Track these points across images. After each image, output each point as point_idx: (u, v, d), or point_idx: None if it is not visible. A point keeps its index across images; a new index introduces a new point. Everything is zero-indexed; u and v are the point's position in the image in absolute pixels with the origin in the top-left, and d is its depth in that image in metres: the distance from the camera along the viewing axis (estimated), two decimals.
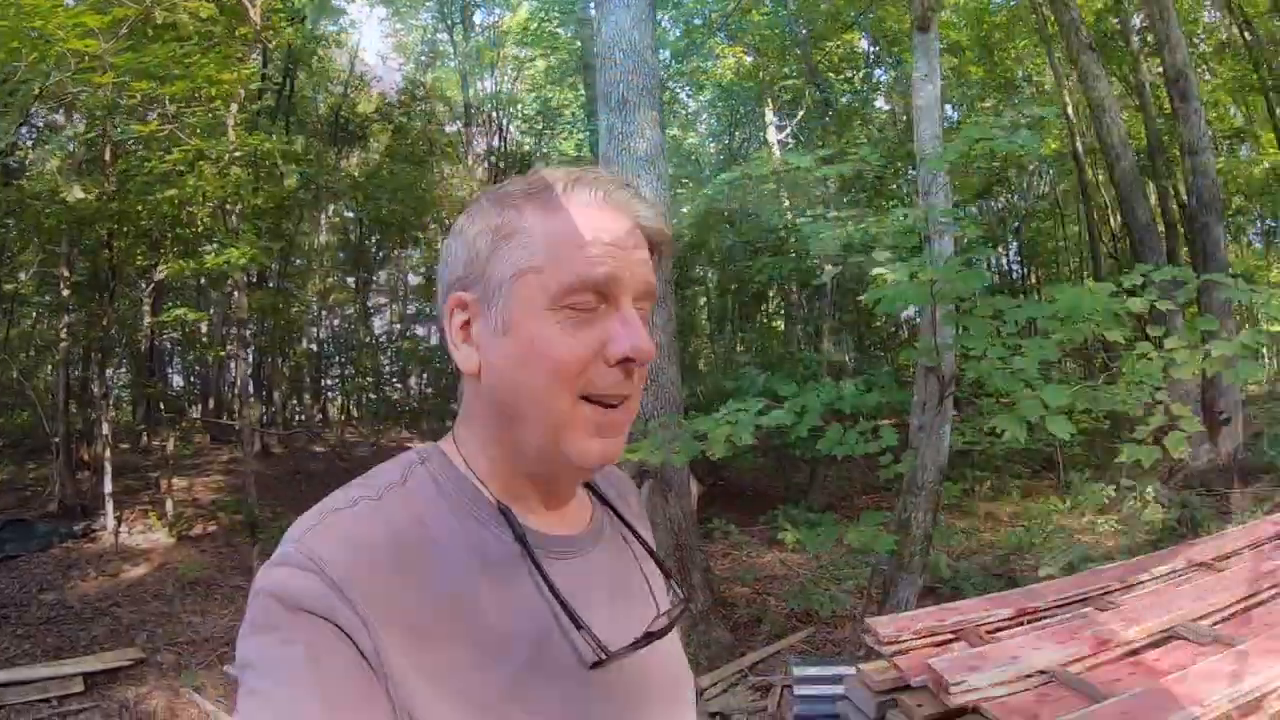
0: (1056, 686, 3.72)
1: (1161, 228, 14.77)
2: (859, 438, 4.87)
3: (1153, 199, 16.18)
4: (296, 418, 21.52)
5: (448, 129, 23.89)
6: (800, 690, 5.04)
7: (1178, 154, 14.32)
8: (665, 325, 6.95)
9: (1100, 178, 19.16)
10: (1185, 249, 13.32)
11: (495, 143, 22.59)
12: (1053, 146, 19.40)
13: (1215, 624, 4.24)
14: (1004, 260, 24.73)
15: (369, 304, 24.50)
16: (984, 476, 12.13)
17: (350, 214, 22.36)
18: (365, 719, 0.79)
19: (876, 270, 5.11)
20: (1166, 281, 4.73)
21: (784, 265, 11.88)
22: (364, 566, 0.84)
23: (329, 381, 22.60)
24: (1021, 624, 4.48)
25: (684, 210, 14.29)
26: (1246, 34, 17.06)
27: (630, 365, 0.93)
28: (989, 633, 4.31)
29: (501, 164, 20.78)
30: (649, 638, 1.00)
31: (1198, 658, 3.78)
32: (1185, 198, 14.02)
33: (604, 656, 0.92)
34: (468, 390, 1.01)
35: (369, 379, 21.28)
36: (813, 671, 5.13)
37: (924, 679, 3.82)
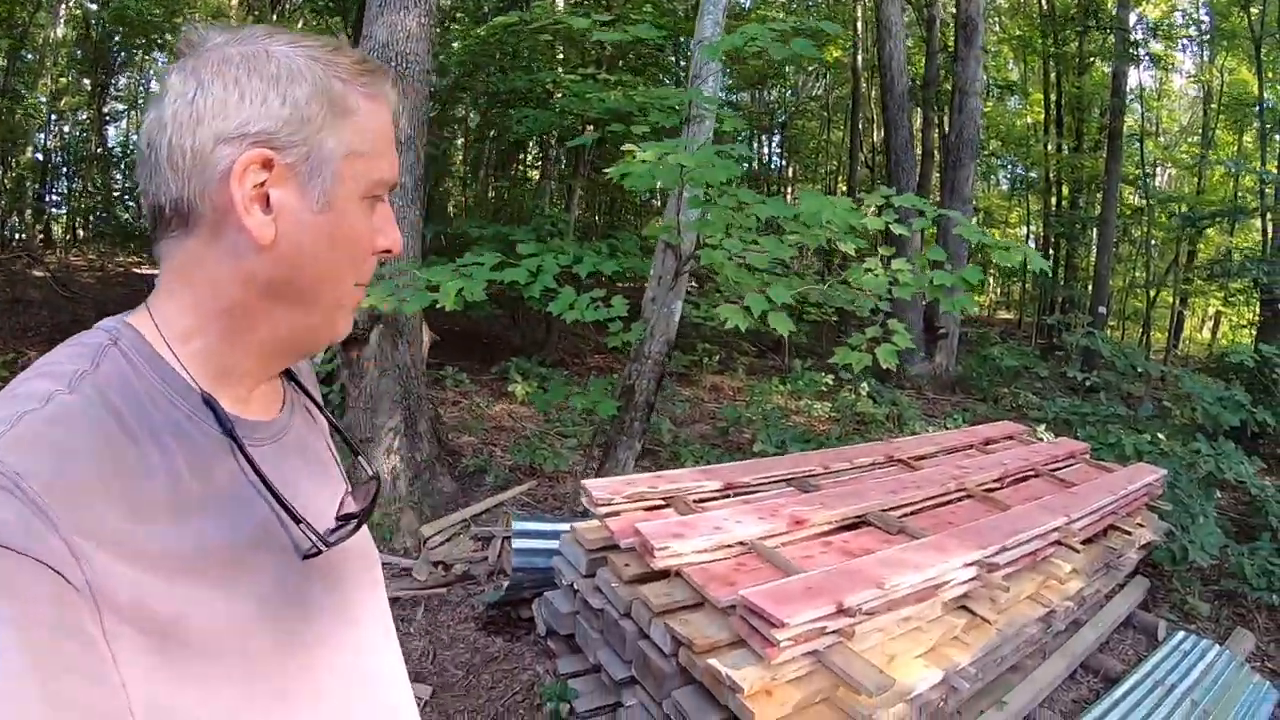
0: (753, 558, 3.80)
1: (919, 153, 15.54)
2: (590, 304, 4.67)
3: (917, 125, 16.95)
4: (16, 237, 18.54)
5: None
6: (519, 544, 4.94)
7: (949, 91, 14.97)
8: (412, 167, 6.40)
9: (874, 95, 19.86)
10: (937, 177, 14.09)
11: None
12: (834, 54, 19.82)
13: (903, 516, 4.50)
14: (766, 149, 25.28)
15: (105, 111, 21.17)
16: (713, 349, 12.59)
17: (93, 5, 19.04)
18: (91, 687, 0.69)
19: (628, 146, 4.85)
20: (906, 207, 4.78)
21: (546, 119, 11.38)
22: (65, 479, 0.73)
23: (54, 197, 19.59)
24: (728, 497, 4.56)
25: (454, 45, 13.35)
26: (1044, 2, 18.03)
27: (386, 256, 0.99)
28: (697, 502, 4.36)
29: None
30: (356, 519, 1.02)
31: (884, 544, 3.97)
32: (947, 131, 14.74)
33: (323, 548, 0.93)
34: (211, 261, 0.89)
35: (99, 197, 18.57)
36: (532, 526, 5.05)
37: (632, 541, 3.78)
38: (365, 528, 1.10)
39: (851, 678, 3.05)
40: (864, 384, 10.61)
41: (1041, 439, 7.32)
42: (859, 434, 9.14)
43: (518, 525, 5.02)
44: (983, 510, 4.83)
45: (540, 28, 11.81)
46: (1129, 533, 5.36)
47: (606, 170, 5.03)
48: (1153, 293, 18.58)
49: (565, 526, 4.62)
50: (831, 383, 11.04)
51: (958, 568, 3.80)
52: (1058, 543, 4.65)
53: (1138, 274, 21.21)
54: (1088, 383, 9.90)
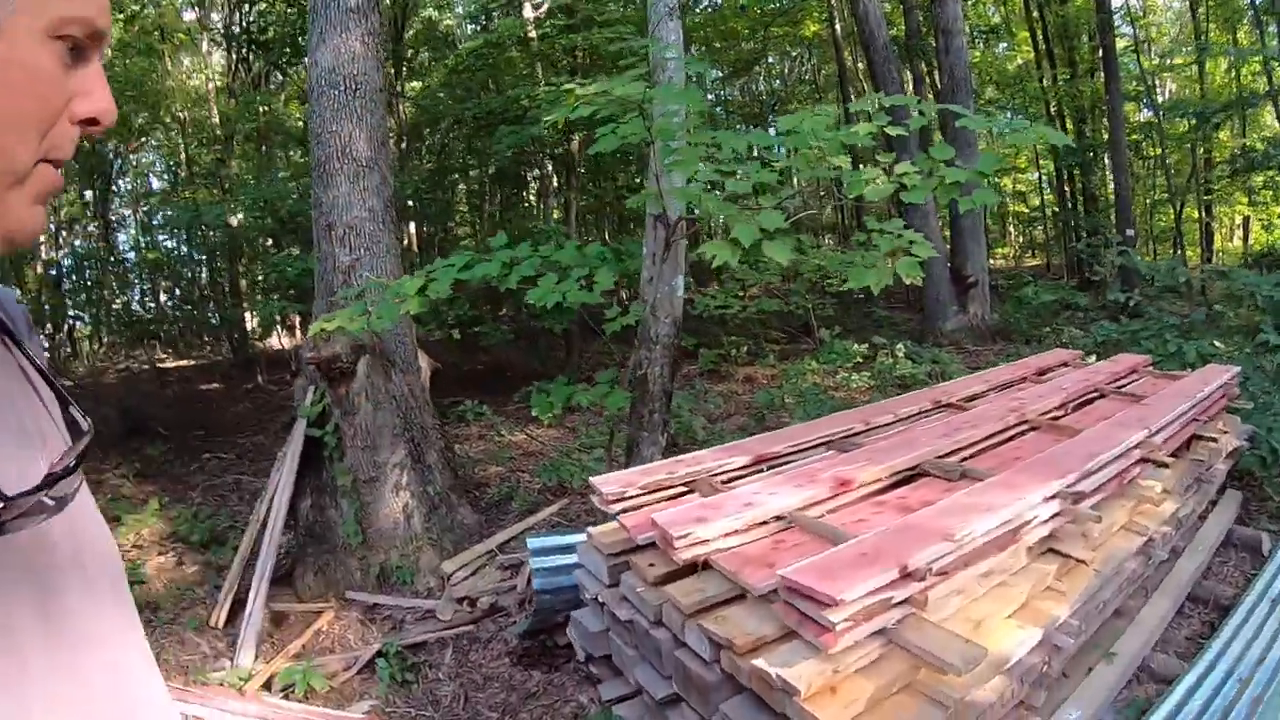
0: (795, 532, 3.22)
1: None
2: (575, 286, 4.15)
3: (909, 84, 16.29)
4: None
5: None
6: (538, 563, 4.40)
7: (933, 40, 14.35)
8: (379, 189, 5.95)
9: (860, 68, 19.25)
10: (937, 133, 13.42)
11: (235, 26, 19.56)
12: (812, 29, 19.26)
13: (963, 460, 3.90)
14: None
15: (110, 218, 20.99)
16: (740, 341, 11.98)
17: None
18: None
19: (568, 86, 4.33)
20: (900, 107, 4.20)
21: (525, 135, 10.95)
22: None
23: (74, 312, 19.33)
24: (760, 471, 3.97)
25: (421, 83, 13.00)
26: None
27: (91, 129, 0.78)
28: (724, 483, 3.76)
29: (245, 49, 18.09)
30: (53, 479, 0.75)
31: (945, 494, 3.37)
32: (939, 78, 14.10)
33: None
34: None
35: (118, 300, 18.41)
36: (550, 542, 4.50)
37: (651, 535, 3.22)
38: (104, 526, 0.90)
39: (932, 654, 2.44)
40: (900, 345, 9.96)
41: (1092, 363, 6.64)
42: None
43: (534, 543, 4.47)
44: (1050, 439, 4.19)
45: (504, 45, 11.43)
46: (1214, 440, 4.69)
47: (593, 149, 4.50)
48: (1179, 205, 17.60)
49: (584, 537, 4.07)
50: (866, 351, 10.40)
51: (1037, 504, 3.18)
52: (1143, 460, 4.00)
53: (1158, 193, 20.24)
54: (1131, 303, 9.17)
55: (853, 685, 2.45)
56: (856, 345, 10.19)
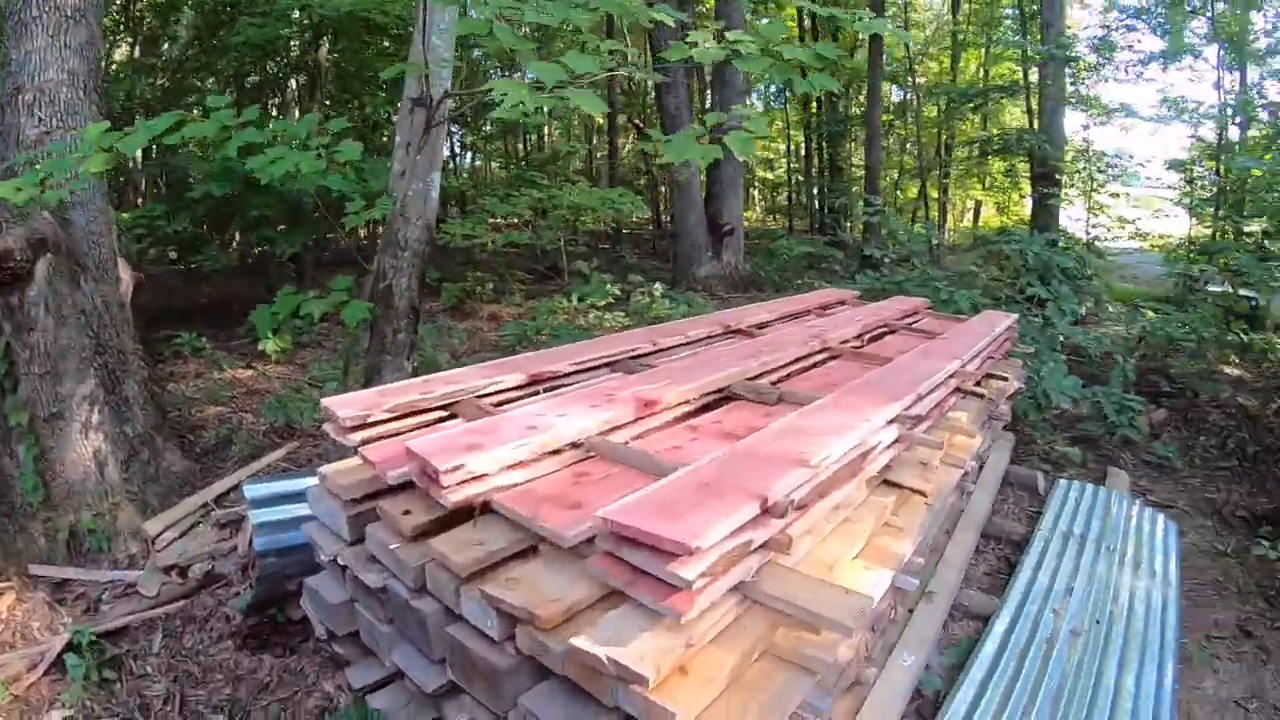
0: (599, 463, 2.48)
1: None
2: (304, 157, 3.17)
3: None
4: None
5: None
6: (260, 517, 3.38)
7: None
8: (84, 48, 4.67)
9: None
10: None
11: None
12: None
13: (774, 384, 3.35)
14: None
15: None
16: (486, 277, 11.07)
17: None
18: None
19: None
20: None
21: (270, 28, 9.39)
22: None
23: None
24: (536, 394, 3.20)
25: None
26: None
27: None
28: (495, 405, 2.96)
29: None
30: None
31: (767, 418, 2.77)
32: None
33: None
34: None
35: None
36: (274, 489, 3.48)
37: (406, 471, 2.34)
38: None
39: (807, 610, 1.82)
40: (656, 285, 9.52)
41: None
42: None
43: (253, 492, 3.45)
44: (859, 367, 3.77)
45: None
46: (1005, 379, 4.53)
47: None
48: (923, 181, 18.56)
49: (316, 481, 3.13)
50: (619, 292, 9.81)
51: (880, 427, 2.67)
52: (958, 389, 3.68)
53: (906, 167, 21.21)
54: (887, 259, 9.31)
55: (708, 660, 1.76)
56: (611, 285, 9.57)
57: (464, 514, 2.26)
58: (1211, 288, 8.63)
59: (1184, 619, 3.66)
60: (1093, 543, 4.05)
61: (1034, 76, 13.80)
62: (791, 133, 22.52)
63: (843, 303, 5.88)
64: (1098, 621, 3.40)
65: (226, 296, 10.57)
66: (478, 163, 19.40)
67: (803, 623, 1.87)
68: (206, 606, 3.88)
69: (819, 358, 3.98)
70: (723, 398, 3.21)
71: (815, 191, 19.73)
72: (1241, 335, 7.46)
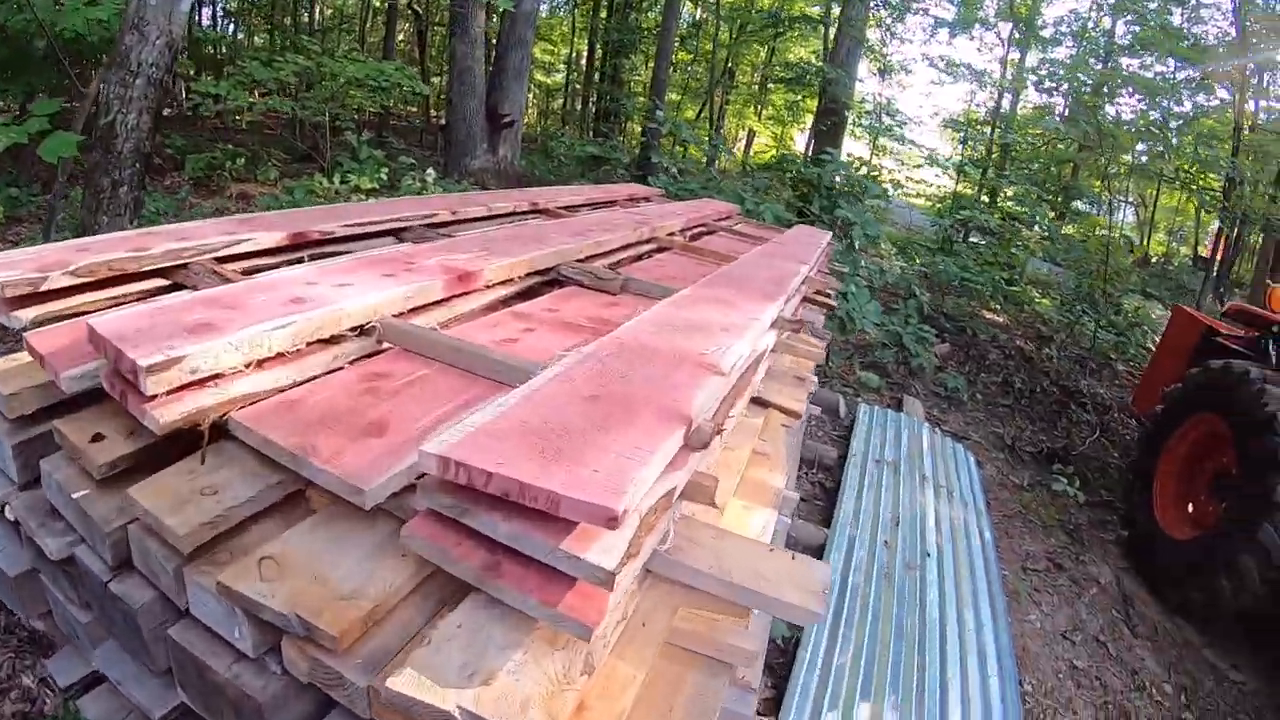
0: (401, 358, 1.68)
1: None
2: None
3: None
4: None
5: None
6: None
7: None
8: None
9: None
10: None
11: None
12: None
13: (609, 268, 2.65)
14: None
15: None
16: (237, 152, 9.34)
17: None
18: None
19: None
20: None
21: None
22: None
23: None
24: (301, 261, 2.26)
25: None
26: None
27: None
28: (242, 274, 2.01)
29: None
30: None
31: (612, 308, 2.10)
32: None
33: None
34: None
35: None
36: None
37: (93, 370, 1.39)
38: None
39: (758, 593, 1.20)
40: (430, 171, 8.37)
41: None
42: None
43: None
44: (693, 264, 3.16)
45: None
46: (828, 295, 4.13)
47: None
48: (708, 100, 18.05)
49: None
50: (385, 177, 8.52)
51: (766, 329, 2.06)
52: (805, 299, 3.18)
53: (691, 86, 20.59)
54: (673, 169, 8.80)
55: (608, 680, 1.05)
56: (379, 167, 8.26)
57: (190, 442, 1.36)
58: (974, 239, 9.13)
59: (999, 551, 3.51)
60: (904, 471, 3.82)
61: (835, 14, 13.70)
62: (575, 40, 21.27)
63: (648, 199, 5.23)
64: (928, 555, 3.13)
65: None
66: (240, 36, 16.55)
67: (720, 603, 1.22)
68: None
69: (647, 248, 3.33)
70: (548, 281, 2.46)
71: (594, 99, 18.70)
72: (1004, 284, 7.82)
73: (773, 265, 2.95)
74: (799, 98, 16.56)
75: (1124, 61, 13.57)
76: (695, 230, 4.13)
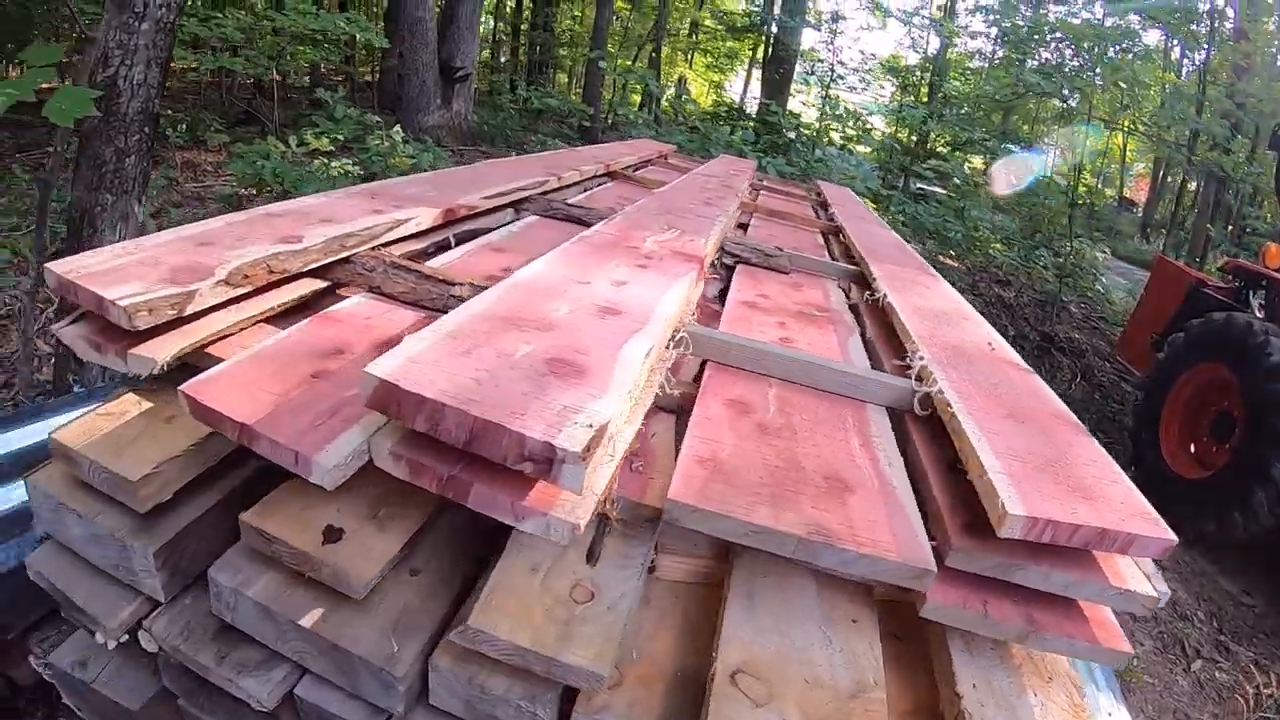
0: (724, 376, 1.37)
1: None
2: None
3: None
4: None
5: None
6: None
7: None
8: None
9: None
10: None
11: None
12: None
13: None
14: None
15: None
16: (178, 118, 8.43)
17: None
18: None
19: None
20: None
21: None
22: None
23: None
24: (447, 242, 1.90)
25: None
26: None
27: None
28: (412, 257, 1.67)
29: None
30: None
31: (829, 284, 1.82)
32: None
33: None
34: None
35: None
36: None
37: (355, 449, 1.05)
38: None
39: None
40: (396, 130, 7.72)
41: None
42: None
43: None
44: (792, 231, 2.89)
45: None
46: None
47: None
48: (640, 47, 17.41)
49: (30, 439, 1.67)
50: (341, 138, 7.77)
51: None
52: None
53: (633, 33, 19.75)
54: (641, 121, 8.42)
55: None
56: (358, 121, 7.51)
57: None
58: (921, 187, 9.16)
59: None
60: None
61: None
62: None
63: (665, 156, 4.91)
64: None
65: None
66: None
67: None
68: None
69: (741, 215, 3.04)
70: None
71: (528, 48, 17.77)
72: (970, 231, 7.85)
73: None
74: (740, 46, 16.22)
75: (1052, 8, 13.74)
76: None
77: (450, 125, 10.04)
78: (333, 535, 1.06)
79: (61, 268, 1.24)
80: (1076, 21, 12.71)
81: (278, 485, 1.15)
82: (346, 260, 1.55)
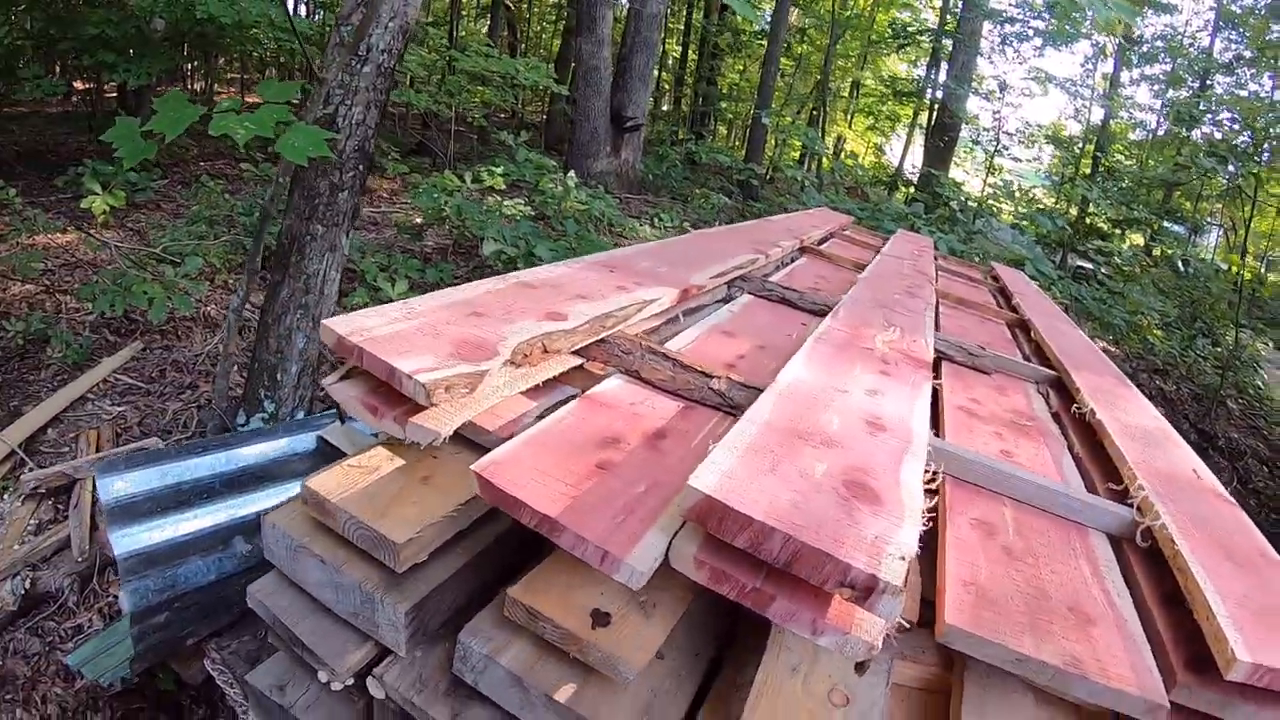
0: (962, 493, 1.40)
1: None
2: None
3: None
4: None
5: None
6: (124, 540, 1.94)
7: None
8: None
9: None
10: None
11: None
12: None
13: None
14: None
15: None
16: None
17: None
18: None
19: None
20: None
21: None
22: None
23: None
24: (676, 317, 2.03)
25: None
26: None
27: None
28: (644, 336, 1.77)
29: None
30: None
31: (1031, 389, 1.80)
32: None
33: None
34: None
35: None
36: (150, 482, 2.09)
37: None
38: None
39: None
40: (570, 175, 8.02)
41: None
42: (584, 233, 6.62)
43: (110, 486, 2.03)
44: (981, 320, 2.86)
45: None
46: None
47: None
48: (823, 105, 17.51)
49: (235, 463, 1.86)
50: (513, 177, 8.13)
51: None
52: None
53: (798, 91, 19.85)
54: (807, 183, 8.46)
55: None
56: (539, 165, 7.86)
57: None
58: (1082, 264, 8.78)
59: None
60: None
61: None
62: (668, 41, 20.72)
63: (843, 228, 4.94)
64: None
65: (40, 145, 7.82)
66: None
67: None
68: (33, 652, 2.36)
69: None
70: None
71: (691, 99, 18.06)
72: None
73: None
74: (901, 109, 16.09)
75: (1219, 79, 13.00)
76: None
77: (618, 172, 10.34)
78: (601, 619, 1.13)
79: (343, 328, 1.33)
80: (1244, 93, 11.94)
81: (518, 549, 1.25)
82: (600, 341, 1.68)
